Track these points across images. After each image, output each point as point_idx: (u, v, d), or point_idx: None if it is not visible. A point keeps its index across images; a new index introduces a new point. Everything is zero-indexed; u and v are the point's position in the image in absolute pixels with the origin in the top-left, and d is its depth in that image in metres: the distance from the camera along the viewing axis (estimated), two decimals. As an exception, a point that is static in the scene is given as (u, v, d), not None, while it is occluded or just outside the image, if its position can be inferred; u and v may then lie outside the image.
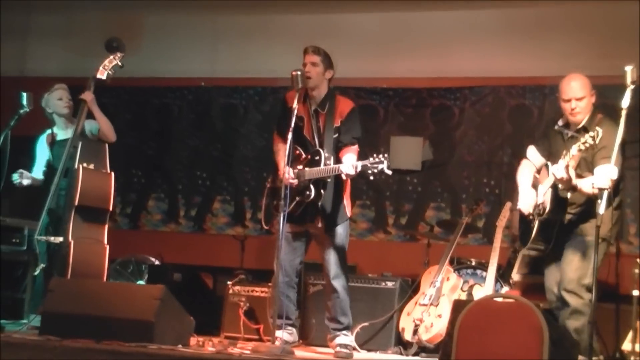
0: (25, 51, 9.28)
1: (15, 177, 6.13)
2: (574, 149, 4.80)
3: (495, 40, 7.84)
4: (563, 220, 5.17)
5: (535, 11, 7.70)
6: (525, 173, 5.41)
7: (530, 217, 5.21)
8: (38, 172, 6.25)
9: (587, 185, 4.93)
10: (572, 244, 5.11)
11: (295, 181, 5.53)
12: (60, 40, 9.13)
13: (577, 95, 5.12)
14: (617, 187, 4.96)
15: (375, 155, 5.23)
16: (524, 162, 5.49)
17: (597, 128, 4.75)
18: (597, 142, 4.68)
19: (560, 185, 5.05)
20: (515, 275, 6.40)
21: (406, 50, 8.11)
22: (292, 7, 8.38)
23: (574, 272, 5.03)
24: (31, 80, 8.45)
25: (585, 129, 5.02)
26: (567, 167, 4.83)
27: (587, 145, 4.70)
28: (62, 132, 6.27)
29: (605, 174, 4.69)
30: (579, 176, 5.03)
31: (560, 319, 5.10)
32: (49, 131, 6.29)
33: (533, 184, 5.33)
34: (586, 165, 5.08)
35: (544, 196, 5.15)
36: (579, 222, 5.12)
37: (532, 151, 5.48)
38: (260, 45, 8.48)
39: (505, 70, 7.78)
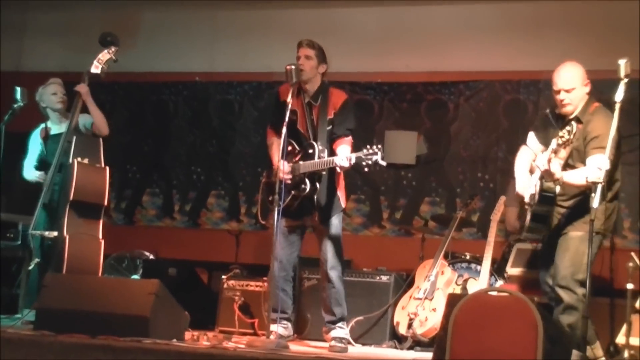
0: (23, 49, 9.27)
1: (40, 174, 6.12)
2: (554, 143, 4.75)
3: (491, 35, 7.84)
4: (553, 212, 5.13)
5: (531, 6, 7.70)
6: (522, 159, 5.33)
7: (526, 206, 5.18)
8: (30, 166, 6.22)
9: (573, 177, 4.87)
10: (564, 240, 5.06)
11: (289, 176, 5.53)
12: (58, 37, 9.11)
13: (565, 86, 5.02)
14: (610, 180, 4.91)
15: (369, 146, 5.22)
16: (522, 149, 5.40)
17: (573, 123, 4.70)
18: (571, 137, 4.60)
19: (546, 177, 5.01)
20: (510, 269, 6.40)
21: (401, 45, 8.11)
22: (288, 3, 8.38)
23: (566, 269, 4.98)
24: (28, 75, 8.42)
25: (578, 120, 4.95)
26: (549, 160, 4.77)
27: (565, 139, 4.61)
28: (56, 127, 6.24)
29: (595, 165, 4.68)
30: (571, 167, 4.98)
31: (554, 314, 5.09)
32: (42, 125, 6.27)
33: (530, 170, 5.30)
34: (578, 155, 4.99)
35: (536, 187, 5.10)
36: (571, 218, 5.07)
37: (531, 137, 5.38)
38: (257, 40, 8.48)
39: (500, 65, 7.77)
